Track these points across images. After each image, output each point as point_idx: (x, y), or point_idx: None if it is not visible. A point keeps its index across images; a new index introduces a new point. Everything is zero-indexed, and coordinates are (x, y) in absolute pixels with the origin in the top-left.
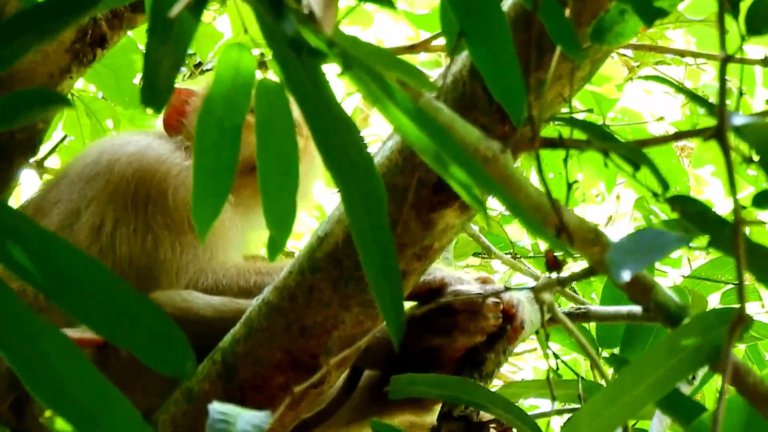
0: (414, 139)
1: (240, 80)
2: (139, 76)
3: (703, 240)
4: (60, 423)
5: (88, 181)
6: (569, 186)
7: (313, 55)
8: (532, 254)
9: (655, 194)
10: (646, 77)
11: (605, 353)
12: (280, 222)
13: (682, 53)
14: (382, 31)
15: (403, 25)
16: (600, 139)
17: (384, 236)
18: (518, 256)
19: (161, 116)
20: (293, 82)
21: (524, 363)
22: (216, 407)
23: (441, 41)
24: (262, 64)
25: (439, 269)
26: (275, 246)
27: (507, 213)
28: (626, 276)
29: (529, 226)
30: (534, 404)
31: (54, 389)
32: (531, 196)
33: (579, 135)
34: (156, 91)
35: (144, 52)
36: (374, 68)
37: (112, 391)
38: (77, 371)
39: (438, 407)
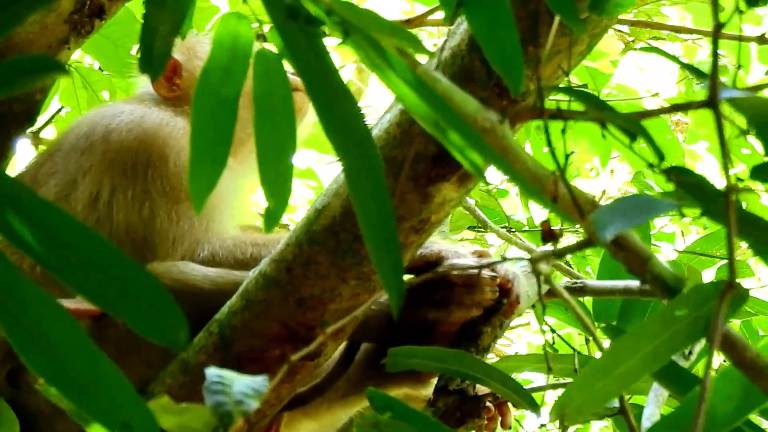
0: (414, 107)
1: (238, 50)
2: (137, 47)
3: (696, 212)
4: (55, 390)
5: (83, 151)
6: (567, 157)
7: (311, 23)
8: (527, 228)
9: (651, 165)
10: (643, 49)
11: (600, 327)
12: (277, 192)
13: (678, 29)
14: (377, 4)
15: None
16: (597, 110)
17: (384, 206)
18: (513, 229)
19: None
20: (293, 50)
21: (518, 337)
22: (213, 371)
23: (437, 16)
24: (259, 37)
25: (436, 242)
26: (272, 216)
27: (502, 187)
28: (609, 235)
29: (528, 195)
30: (528, 378)
31: (47, 360)
32: (529, 167)
33: (576, 107)
34: (153, 57)
35: (142, 19)
36: (373, 35)
37: (106, 362)
38: (71, 342)
39: (434, 380)
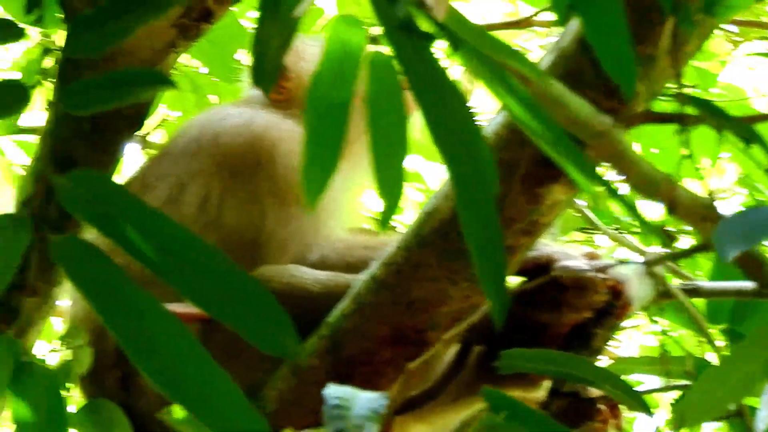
0: (525, 122)
1: (349, 53)
2: (242, 51)
3: None
4: (177, 411)
5: (192, 155)
6: (681, 160)
7: (423, 38)
8: (637, 230)
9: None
10: (757, 54)
11: (713, 330)
12: (390, 193)
13: None
14: (483, 5)
15: (505, 2)
16: (712, 115)
17: (489, 213)
18: (623, 231)
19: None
20: (403, 57)
21: (628, 339)
22: (331, 392)
23: (543, 17)
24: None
25: (547, 244)
26: (386, 217)
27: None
28: (731, 255)
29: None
30: (639, 380)
31: (161, 368)
32: (643, 170)
33: (689, 111)
34: (265, 69)
35: (254, 30)
36: (484, 52)
37: (218, 371)
38: (185, 351)
39: (546, 383)
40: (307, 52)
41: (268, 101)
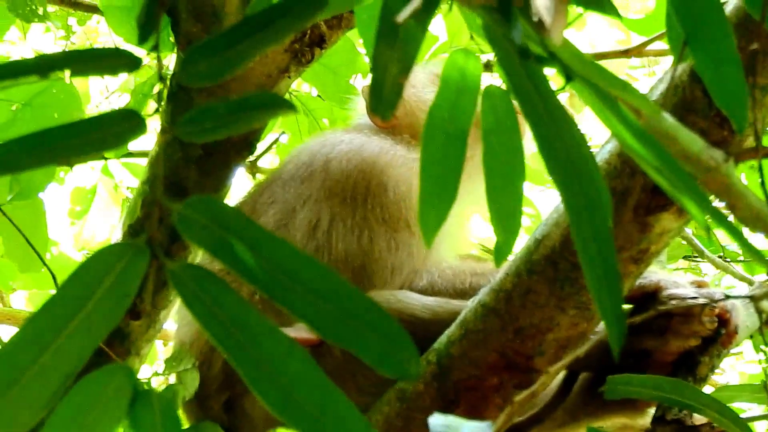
0: (638, 152)
1: (466, 86)
2: (355, 75)
3: None
4: None
5: (303, 180)
6: None
7: (539, 63)
8: (741, 258)
9: None
10: None
11: None
12: (507, 226)
13: None
14: (593, 34)
15: (615, 29)
16: None
17: (605, 242)
18: (728, 259)
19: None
20: (518, 87)
21: (730, 368)
22: (436, 419)
23: (655, 46)
24: (486, 67)
25: (654, 272)
26: (502, 251)
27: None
28: None
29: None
30: (742, 408)
31: (279, 392)
32: (752, 205)
33: None
34: (384, 97)
35: (372, 58)
36: (597, 84)
37: (337, 394)
38: (302, 373)
39: (651, 410)
40: (415, 78)
41: (376, 128)
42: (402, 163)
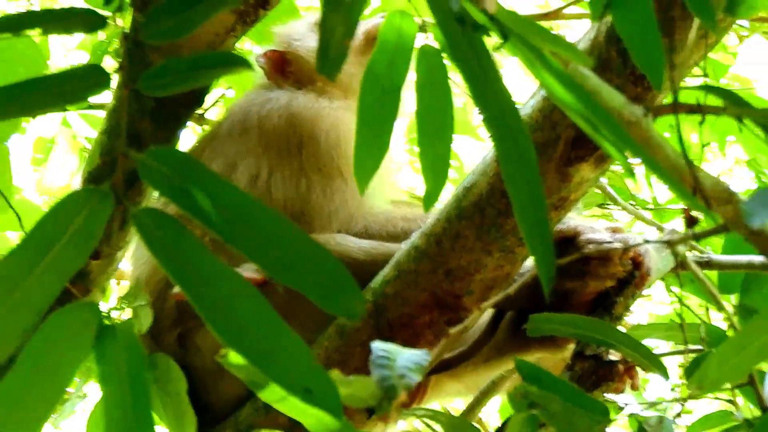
0: (566, 102)
1: (402, 44)
2: None
3: None
4: (233, 357)
5: (240, 136)
6: (703, 147)
7: (476, 29)
8: (651, 206)
9: None
10: None
11: (724, 300)
12: (436, 175)
13: None
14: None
15: None
16: (735, 105)
17: (535, 190)
18: (638, 207)
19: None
20: (456, 49)
21: (639, 308)
22: (378, 345)
23: (571, 9)
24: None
25: (572, 218)
26: (431, 197)
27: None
28: (758, 223)
29: (669, 185)
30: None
31: (233, 328)
32: (669, 157)
33: (711, 101)
34: (330, 57)
35: (319, 21)
36: (531, 41)
37: (287, 330)
38: (254, 311)
39: (571, 346)
40: (296, 33)
41: (278, 84)
42: (328, 114)
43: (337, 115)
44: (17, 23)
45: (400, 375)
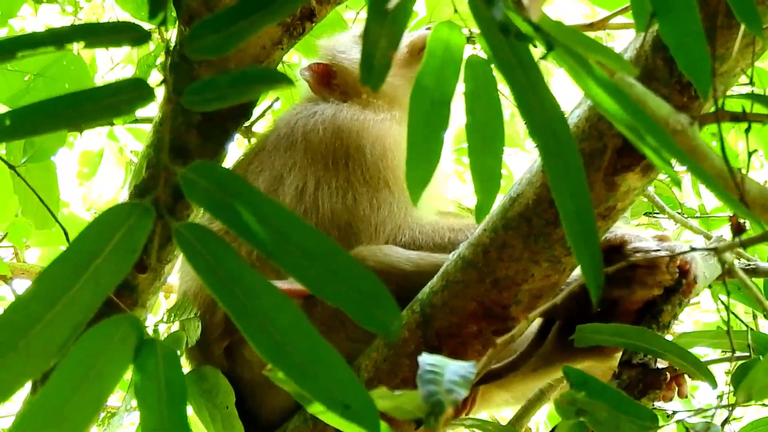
0: (611, 112)
1: (450, 56)
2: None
3: None
4: (281, 374)
5: (286, 150)
6: (749, 155)
7: (520, 38)
8: (698, 214)
9: None
10: None
11: None
12: (486, 187)
13: None
14: (560, 8)
15: (581, 4)
16: None
17: (583, 200)
18: (686, 215)
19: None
20: (501, 59)
21: (687, 316)
22: (425, 359)
23: (617, 20)
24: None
25: (619, 227)
26: (483, 209)
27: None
28: None
29: (715, 193)
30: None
31: (273, 344)
32: (715, 165)
33: (758, 109)
34: (374, 69)
35: (363, 33)
36: (576, 50)
37: (326, 346)
38: (294, 327)
39: (618, 355)
40: (341, 46)
41: (324, 97)
42: (373, 126)
43: (383, 126)
44: (61, 37)
45: (448, 390)
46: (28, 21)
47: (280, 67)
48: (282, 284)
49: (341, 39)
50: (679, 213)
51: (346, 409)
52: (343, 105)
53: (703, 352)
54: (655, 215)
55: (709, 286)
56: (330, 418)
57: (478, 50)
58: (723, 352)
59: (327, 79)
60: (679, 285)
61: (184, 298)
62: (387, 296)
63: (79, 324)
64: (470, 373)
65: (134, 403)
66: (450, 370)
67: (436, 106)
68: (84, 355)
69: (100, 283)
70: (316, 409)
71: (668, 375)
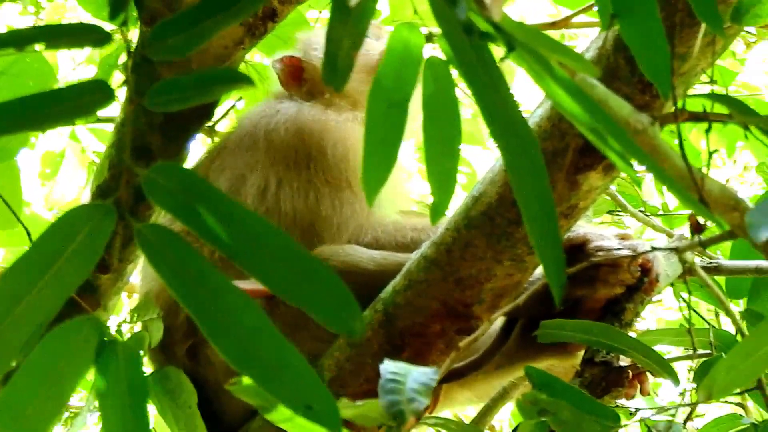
0: (572, 113)
1: (409, 57)
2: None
3: None
4: (246, 380)
5: (248, 149)
6: (710, 155)
7: (483, 38)
8: (661, 212)
9: None
10: None
11: (733, 304)
12: (443, 187)
13: None
14: (525, 8)
15: (545, 3)
16: (741, 113)
17: (545, 200)
18: (648, 214)
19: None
20: (463, 59)
21: (650, 313)
22: (387, 366)
23: (580, 18)
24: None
25: (582, 226)
26: (438, 209)
27: (639, 175)
28: (765, 236)
29: (675, 193)
30: (662, 351)
31: (236, 345)
32: (676, 165)
33: (718, 109)
34: (337, 69)
35: (326, 32)
36: (538, 51)
37: (289, 347)
38: (257, 328)
39: (581, 353)
40: (314, 42)
41: (290, 94)
42: (335, 126)
43: (345, 127)
44: (22, 38)
45: (409, 399)
46: None
47: (242, 67)
48: (244, 284)
49: (317, 34)
50: (641, 211)
51: (308, 410)
52: (305, 104)
53: (666, 349)
54: (617, 213)
55: (672, 284)
56: (290, 427)
57: (437, 51)
58: (686, 349)
59: (298, 74)
60: (641, 283)
61: (147, 298)
62: (349, 297)
63: (42, 325)
64: (432, 380)
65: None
66: (412, 378)
67: (394, 107)
68: (46, 356)
69: (62, 283)
70: (277, 418)
71: (631, 373)
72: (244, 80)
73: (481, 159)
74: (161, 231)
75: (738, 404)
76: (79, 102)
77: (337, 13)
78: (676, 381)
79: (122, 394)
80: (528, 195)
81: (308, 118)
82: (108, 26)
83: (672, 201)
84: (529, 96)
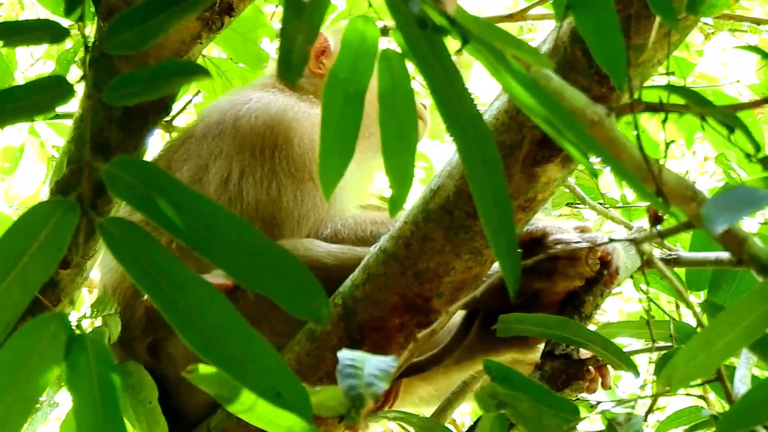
0: (529, 106)
1: (364, 50)
2: (264, 39)
3: None
4: (203, 369)
5: (214, 137)
6: (667, 146)
7: (436, 32)
8: (620, 204)
9: (748, 155)
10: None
11: (693, 296)
12: (400, 181)
13: (759, 21)
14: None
15: None
16: (697, 104)
17: (500, 193)
18: (607, 206)
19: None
20: (417, 52)
21: (610, 306)
22: (345, 354)
23: (536, 11)
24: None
25: (541, 219)
26: (396, 203)
27: (597, 167)
28: (720, 228)
29: (631, 185)
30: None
31: (203, 337)
32: (633, 156)
33: (675, 100)
34: (292, 63)
35: (280, 27)
36: (492, 44)
37: (256, 336)
38: (224, 318)
39: (541, 346)
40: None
41: (281, 85)
42: (305, 118)
43: (315, 121)
44: None
45: (368, 384)
46: None
47: (200, 61)
48: (207, 278)
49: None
50: (600, 203)
51: (278, 397)
52: (279, 95)
53: (626, 342)
54: (576, 206)
55: (632, 276)
56: (251, 417)
57: (393, 44)
58: (646, 342)
59: (318, 54)
60: (600, 276)
61: (104, 293)
62: (315, 283)
63: (8, 323)
64: (390, 367)
65: (57, 398)
66: (370, 364)
67: (350, 99)
68: (15, 355)
69: (27, 281)
70: (238, 408)
71: (591, 366)
72: (201, 72)
73: (438, 152)
74: (124, 225)
75: (700, 396)
76: (38, 98)
77: (291, 7)
78: (636, 373)
79: (94, 389)
80: (483, 189)
81: (280, 108)
82: (65, 22)
83: (631, 193)
84: (487, 88)
